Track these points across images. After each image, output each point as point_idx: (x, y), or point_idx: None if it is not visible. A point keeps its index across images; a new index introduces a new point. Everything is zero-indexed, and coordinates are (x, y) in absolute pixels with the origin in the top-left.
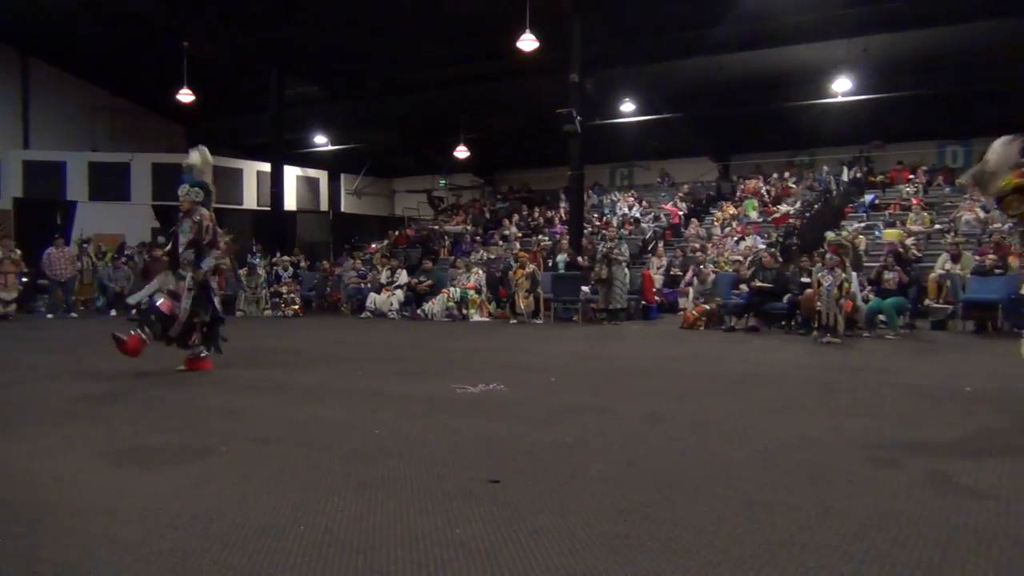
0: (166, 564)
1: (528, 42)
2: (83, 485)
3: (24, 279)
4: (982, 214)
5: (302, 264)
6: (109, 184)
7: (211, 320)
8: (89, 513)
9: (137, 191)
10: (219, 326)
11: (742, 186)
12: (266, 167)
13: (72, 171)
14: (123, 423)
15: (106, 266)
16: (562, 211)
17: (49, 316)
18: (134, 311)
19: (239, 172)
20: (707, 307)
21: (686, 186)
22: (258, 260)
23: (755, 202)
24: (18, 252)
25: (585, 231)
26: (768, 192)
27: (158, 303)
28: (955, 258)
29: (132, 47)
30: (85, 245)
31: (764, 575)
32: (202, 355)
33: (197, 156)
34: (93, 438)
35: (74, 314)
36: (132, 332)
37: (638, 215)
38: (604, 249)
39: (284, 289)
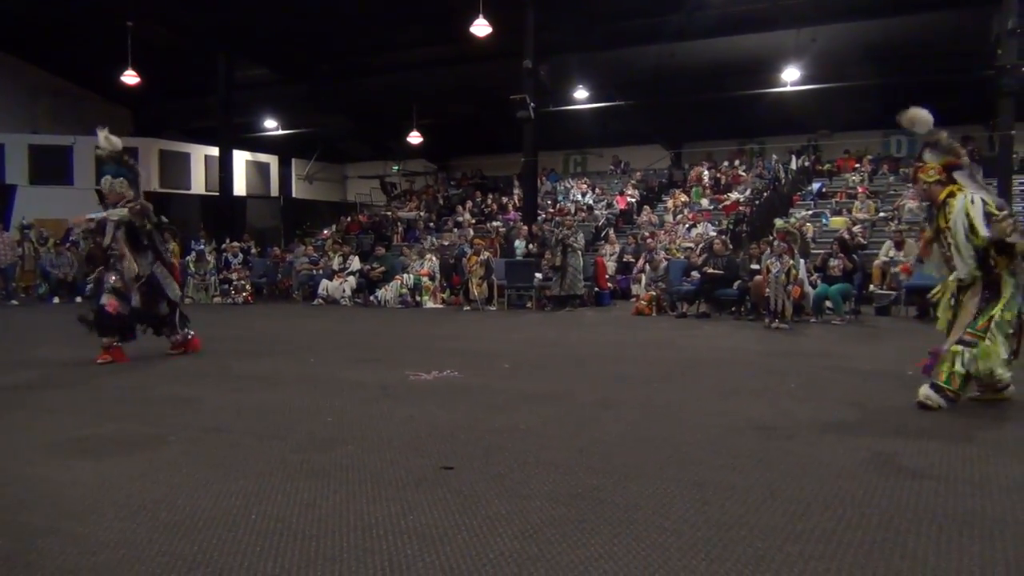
0: (113, 555)
1: (482, 27)
2: (26, 477)
3: None
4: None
5: (252, 250)
6: (51, 168)
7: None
8: (33, 505)
9: (80, 175)
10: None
11: (691, 174)
12: (214, 151)
13: (11, 154)
14: (67, 413)
15: (48, 252)
16: (516, 197)
17: None
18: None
19: (186, 156)
20: (652, 293)
21: (639, 173)
22: (203, 246)
23: (701, 190)
24: None
25: (539, 217)
26: (717, 180)
27: (104, 303)
28: (898, 245)
29: (74, 26)
30: (27, 231)
31: (714, 556)
32: (190, 335)
33: (105, 142)
34: (37, 428)
35: (15, 301)
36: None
37: (591, 202)
38: (559, 236)
39: (234, 276)
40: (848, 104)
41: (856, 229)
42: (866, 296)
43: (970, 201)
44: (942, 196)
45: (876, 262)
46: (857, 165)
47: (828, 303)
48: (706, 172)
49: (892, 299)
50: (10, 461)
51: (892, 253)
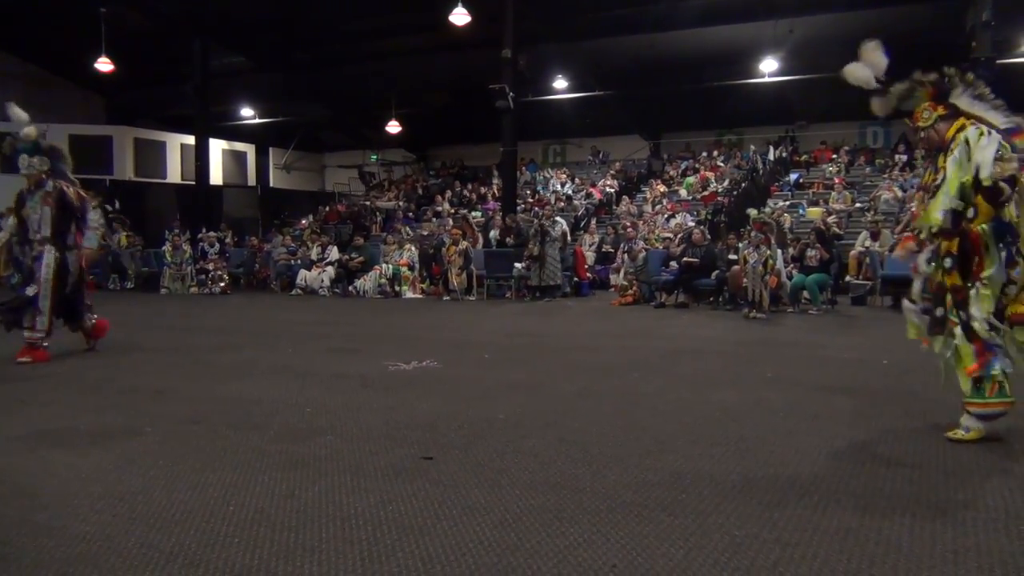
0: (89, 547)
1: (460, 16)
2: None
3: None
4: (900, 193)
5: (227, 240)
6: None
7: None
8: (6, 497)
9: None
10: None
11: (674, 165)
12: (190, 140)
13: None
14: (41, 405)
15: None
16: (495, 187)
17: None
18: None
19: (162, 145)
20: (624, 283)
21: (618, 164)
22: (168, 236)
23: (692, 180)
24: None
25: (517, 208)
26: (697, 170)
27: (29, 292)
28: (874, 236)
29: (45, 11)
30: (0, 220)
31: (692, 543)
32: (44, 344)
33: (14, 117)
34: (8, 421)
35: None
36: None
37: (570, 192)
38: (537, 224)
39: (211, 266)
40: (825, 95)
41: (832, 220)
42: (842, 286)
43: (984, 134)
44: (951, 133)
45: (852, 252)
46: (834, 156)
47: (805, 293)
48: (695, 164)
49: (868, 289)
50: None
51: (868, 243)
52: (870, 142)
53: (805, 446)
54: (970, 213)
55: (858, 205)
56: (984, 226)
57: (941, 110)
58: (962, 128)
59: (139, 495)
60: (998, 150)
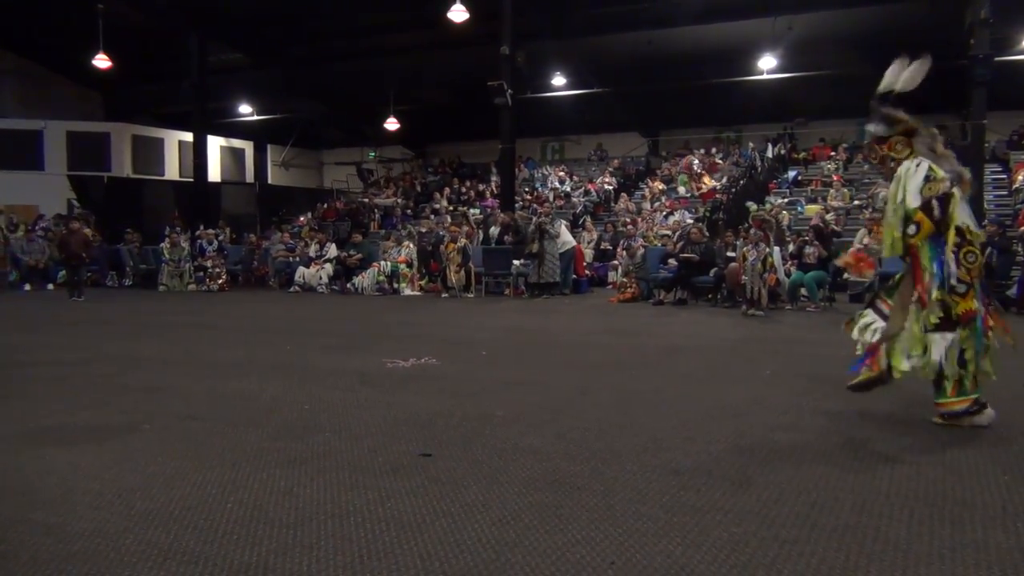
0: (87, 544)
1: (459, 13)
2: None
3: None
4: None
5: (223, 237)
6: (20, 153)
7: None
8: (3, 494)
9: (51, 160)
10: None
11: (672, 163)
12: (188, 137)
13: None
14: (38, 401)
15: (19, 239)
16: (493, 184)
17: None
18: None
19: (159, 142)
20: (622, 280)
21: (616, 161)
22: (167, 233)
23: (686, 177)
24: None
25: (516, 205)
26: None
27: None
28: (872, 233)
29: (43, 8)
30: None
31: (690, 540)
32: None
33: None
34: (6, 417)
35: None
36: None
37: (568, 189)
38: (536, 221)
39: (209, 263)
40: (824, 93)
41: (830, 217)
42: (840, 283)
43: (915, 165)
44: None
45: (850, 250)
46: (832, 153)
47: (803, 290)
48: (696, 161)
49: (866, 286)
50: None
51: (866, 240)
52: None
53: (803, 443)
54: (911, 230)
55: (856, 202)
56: (921, 241)
57: (907, 150)
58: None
59: (137, 492)
60: (927, 175)
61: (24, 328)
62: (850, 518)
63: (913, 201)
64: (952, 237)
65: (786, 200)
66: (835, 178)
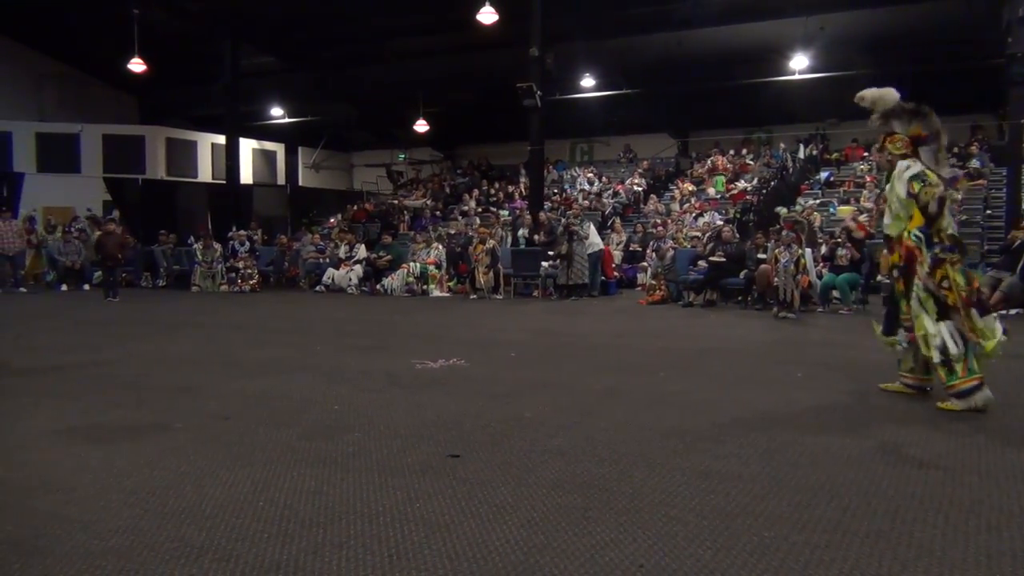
0: (122, 541)
1: (488, 15)
2: (33, 463)
3: None
4: None
5: (256, 238)
6: (58, 155)
7: None
8: (40, 491)
9: (87, 163)
10: None
11: (706, 164)
12: (221, 139)
13: (18, 142)
14: (73, 400)
15: (56, 240)
16: (522, 186)
17: None
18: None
19: (193, 144)
20: (651, 282)
21: (645, 162)
22: (196, 241)
23: (723, 179)
24: None
25: (545, 206)
26: (728, 168)
27: None
28: None
29: (80, 13)
30: (35, 217)
31: (720, 544)
32: None
33: None
34: (42, 415)
35: (23, 289)
36: None
37: (597, 190)
38: (565, 223)
39: (241, 264)
40: (856, 92)
41: (863, 218)
42: (873, 285)
43: (906, 167)
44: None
45: (884, 252)
46: (866, 154)
47: (835, 292)
48: (727, 162)
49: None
50: (17, 447)
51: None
52: None
53: (835, 447)
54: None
55: None
56: (917, 234)
57: (909, 150)
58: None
59: (170, 490)
60: (919, 174)
61: (60, 328)
62: (883, 524)
63: (902, 189)
64: (945, 229)
65: (818, 201)
66: (868, 179)
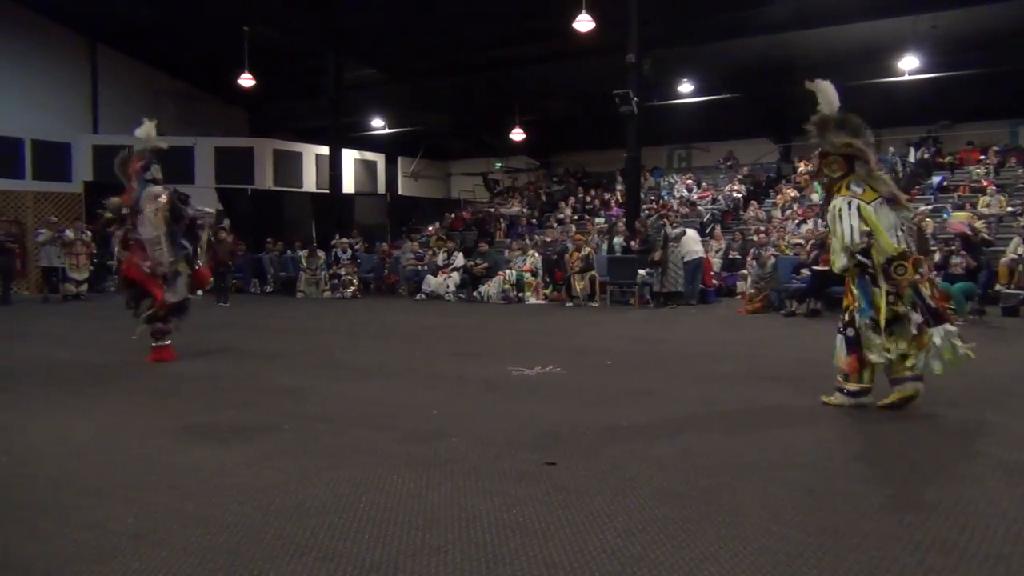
0: (231, 536)
1: (584, 23)
2: (149, 460)
3: (95, 260)
4: None
5: (357, 246)
6: (174, 167)
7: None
8: (156, 487)
9: (201, 174)
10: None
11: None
12: (324, 150)
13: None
14: (186, 400)
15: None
16: (618, 193)
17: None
18: None
19: (298, 156)
20: (751, 291)
21: (745, 168)
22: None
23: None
24: (89, 234)
25: (643, 213)
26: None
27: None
28: None
29: (194, 32)
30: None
31: (825, 564)
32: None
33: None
34: (157, 415)
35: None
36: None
37: (694, 198)
38: (657, 225)
39: (343, 271)
40: (971, 93)
41: (980, 225)
42: (992, 295)
43: (845, 207)
44: (835, 188)
45: (1003, 259)
46: (982, 157)
47: (950, 303)
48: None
49: (1021, 299)
50: (133, 445)
51: (1021, 250)
52: (1022, 142)
53: (950, 463)
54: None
55: (1010, 209)
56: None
57: (844, 170)
58: (839, 189)
59: (276, 488)
60: (858, 211)
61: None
62: (1003, 546)
63: (848, 239)
64: (885, 250)
65: (930, 207)
66: (986, 183)
